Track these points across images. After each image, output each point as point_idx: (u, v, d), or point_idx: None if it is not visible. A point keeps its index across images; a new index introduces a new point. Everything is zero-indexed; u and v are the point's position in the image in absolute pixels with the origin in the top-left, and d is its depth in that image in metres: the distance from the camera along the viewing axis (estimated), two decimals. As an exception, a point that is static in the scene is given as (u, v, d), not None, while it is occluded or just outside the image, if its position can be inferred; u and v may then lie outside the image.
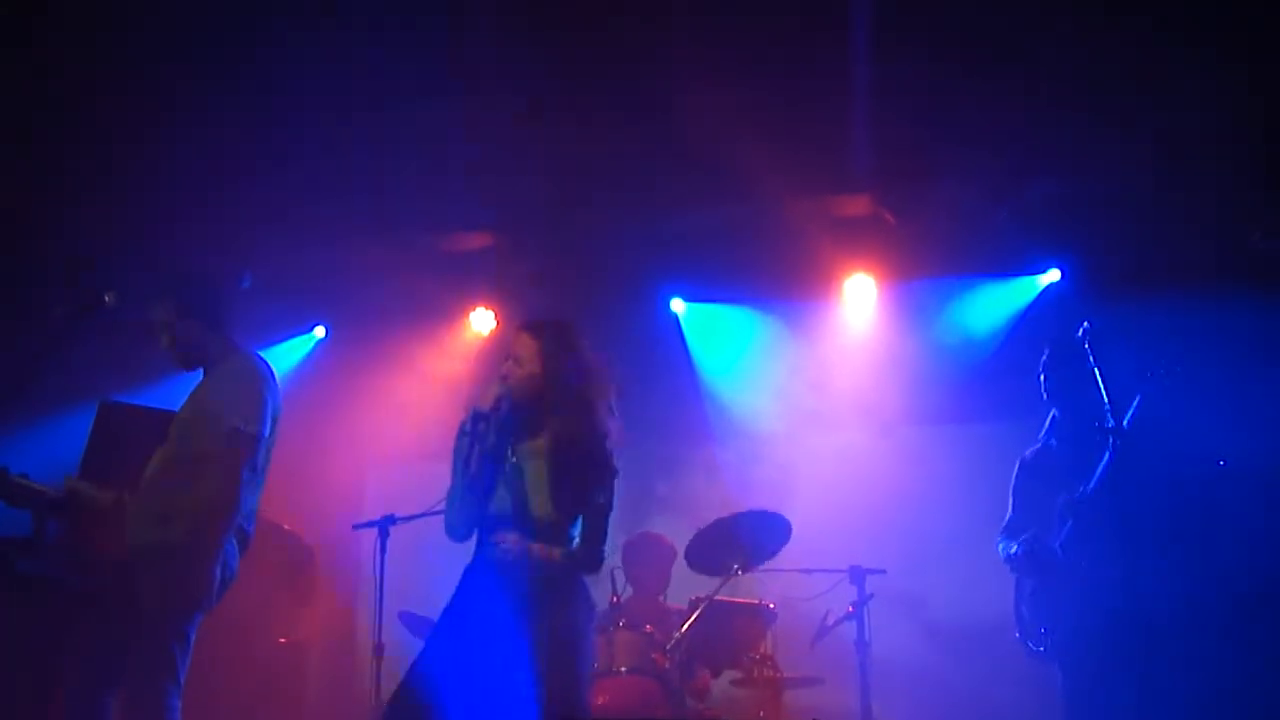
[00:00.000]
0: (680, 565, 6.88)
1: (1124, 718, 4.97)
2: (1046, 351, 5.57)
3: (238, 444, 4.64)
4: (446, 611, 4.46)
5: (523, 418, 4.49)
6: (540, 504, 4.40)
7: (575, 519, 4.46)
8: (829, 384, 8.00)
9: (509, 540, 4.37)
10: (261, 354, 4.97)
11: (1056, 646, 5.29)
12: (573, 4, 5.88)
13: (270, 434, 4.81)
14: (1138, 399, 5.08)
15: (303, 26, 5.90)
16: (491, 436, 4.41)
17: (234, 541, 4.74)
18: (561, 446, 4.45)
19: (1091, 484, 5.18)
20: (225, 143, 6.61)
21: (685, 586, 6.93)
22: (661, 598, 6.97)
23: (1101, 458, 5.13)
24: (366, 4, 5.85)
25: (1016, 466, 5.68)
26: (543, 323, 4.61)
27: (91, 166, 6.54)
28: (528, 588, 4.32)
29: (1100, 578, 5.08)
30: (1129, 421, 5.00)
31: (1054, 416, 5.58)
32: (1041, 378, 5.56)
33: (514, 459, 4.45)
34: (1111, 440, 4.98)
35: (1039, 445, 5.63)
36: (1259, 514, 5.78)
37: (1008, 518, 5.63)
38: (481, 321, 8.36)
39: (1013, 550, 5.44)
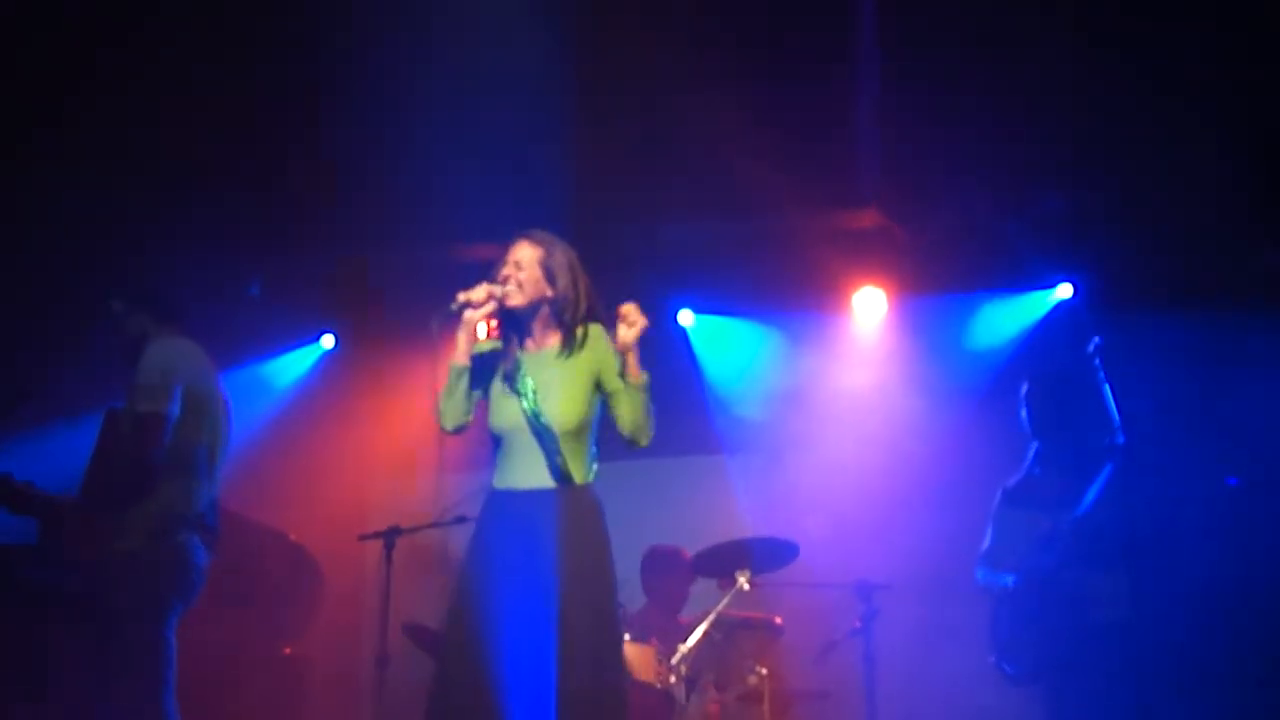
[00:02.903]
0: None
1: None
2: (1027, 384, 5.57)
3: (141, 428, 4.55)
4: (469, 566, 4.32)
5: (521, 323, 4.46)
6: (561, 410, 4.33)
7: (593, 426, 4.40)
8: (838, 397, 7.97)
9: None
10: (187, 339, 4.83)
11: (1042, 669, 5.27)
12: (579, 15, 5.86)
13: (200, 413, 4.69)
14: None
15: (318, 41, 5.92)
16: (495, 334, 4.41)
17: (195, 536, 4.68)
18: (573, 350, 4.41)
19: (1088, 500, 5.15)
20: (234, 149, 6.60)
21: (691, 600, 6.92)
22: (679, 614, 6.95)
23: (1092, 481, 5.11)
24: (380, 14, 5.86)
25: (999, 495, 5.68)
26: (544, 234, 4.59)
27: (98, 166, 6.53)
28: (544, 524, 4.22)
29: (1096, 598, 5.07)
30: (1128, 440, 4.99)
31: (1037, 447, 5.57)
32: (1023, 411, 5.55)
33: (519, 371, 4.39)
34: (1119, 459, 4.96)
35: (1022, 474, 5.63)
36: (1261, 532, 5.76)
37: (986, 544, 5.64)
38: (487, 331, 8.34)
39: (1004, 579, 5.43)
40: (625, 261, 7.75)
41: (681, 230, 7.54)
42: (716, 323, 8.40)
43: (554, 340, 4.46)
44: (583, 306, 4.49)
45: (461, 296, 4.38)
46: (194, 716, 4.66)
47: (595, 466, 4.45)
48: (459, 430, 4.42)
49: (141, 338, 4.78)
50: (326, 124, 6.58)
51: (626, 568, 7.17)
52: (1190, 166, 6.53)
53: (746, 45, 6.13)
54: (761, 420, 8.14)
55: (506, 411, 4.36)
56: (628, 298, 7.96)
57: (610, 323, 4.49)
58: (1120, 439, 4.96)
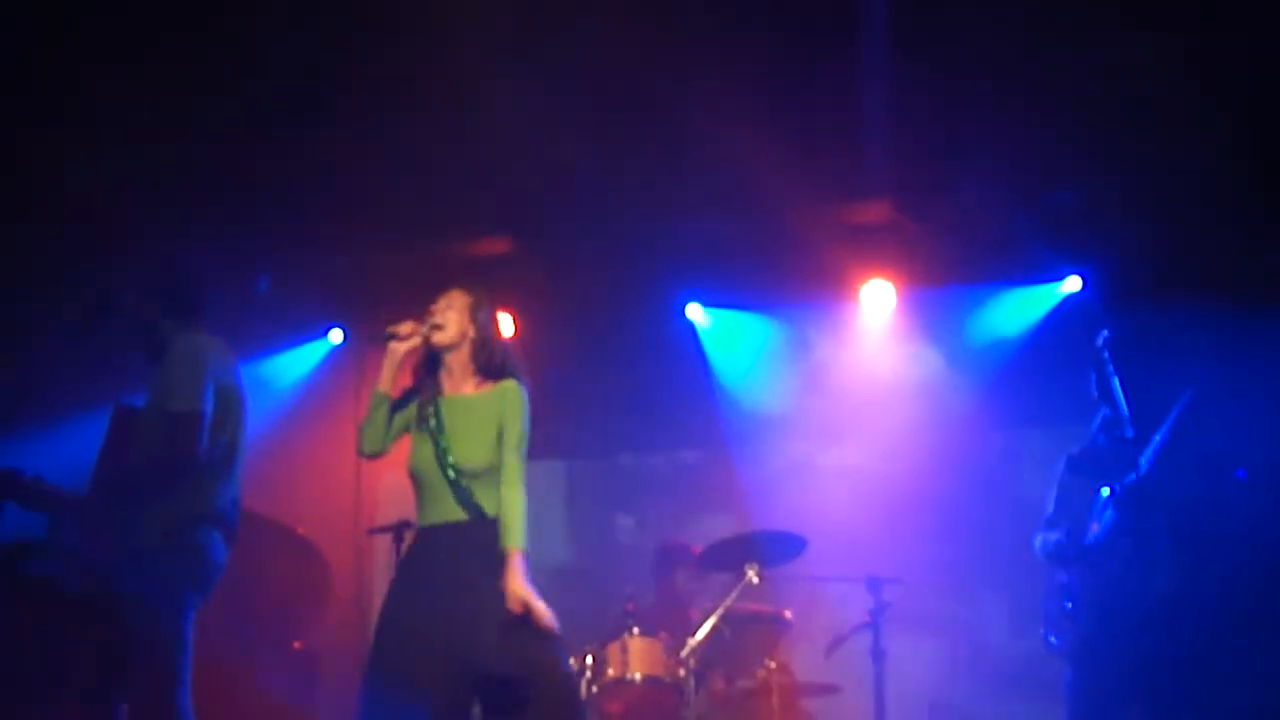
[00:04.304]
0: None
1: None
2: (1103, 339, 5.32)
3: (181, 428, 4.56)
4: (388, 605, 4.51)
5: (441, 366, 4.65)
6: (467, 453, 4.49)
7: (496, 468, 4.52)
8: (847, 390, 7.97)
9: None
10: (212, 336, 4.85)
11: (1072, 644, 5.25)
12: (589, 11, 5.86)
13: (227, 410, 4.71)
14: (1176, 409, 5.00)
15: (323, 37, 5.93)
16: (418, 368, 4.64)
17: (216, 533, 4.70)
18: (485, 397, 4.58)
19: (1131, 477, 5.09)
20: (243, 144, 6.61)
21: (700, 594, 6.93)
22: (688, 608, 6.96)
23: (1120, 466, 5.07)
24: (389, 11, 5.86)
25: (1063, 462, 5.61)
26: (476, 286, 4.77)
27: (105, 166, 6.53)
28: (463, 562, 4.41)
29: (1118, 586, 5.04)
30: (1165, 430, 4.94)
31: (1104, 414, 5.46)
32: (1092, 374, 5.33)
33: (433, 412, 4.57)
34: (1130, 451, 4.94)
35: (1087, 441, 5.54)
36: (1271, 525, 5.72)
37: (1049, 511, 5.57)
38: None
39: (1051, 539, 5.36)
40: (634, 256, 7.77)
41: (691, 224, 7.54)
42: (725, 316, 8.40)
43: (471, 385, 4.65)
44: (498, 357, 4.66)
45: (389, 328, 4.61)
46: (205, 711, 4.67)
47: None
48: (374, 456, 4.66)
49: (161, 333, 4.79)
50: (335, 118, 6.58)
51: (637, 563, 7.23)
52: (1205, 161, 6.52)
53: (756, 40, 6.13)
54: (770, 414, 8.14)
55: (421, 453, 4.55)
56: (637, 292, 8.02)
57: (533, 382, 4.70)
58: (1130, 433, 4.93)
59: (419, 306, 4.73)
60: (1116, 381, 4.96)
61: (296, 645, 6.99)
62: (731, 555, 6.37)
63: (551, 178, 7.03)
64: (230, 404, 4.74)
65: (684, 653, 6.02)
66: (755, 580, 6.25)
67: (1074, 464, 5.58)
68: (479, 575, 4.36)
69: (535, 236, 7.75)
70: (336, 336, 8.69)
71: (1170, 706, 4.88)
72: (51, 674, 4.82)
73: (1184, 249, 7.01)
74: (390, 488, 8.53)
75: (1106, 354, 5.00)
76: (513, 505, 4.46)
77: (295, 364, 8.60)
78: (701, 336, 8.40)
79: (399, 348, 4.61)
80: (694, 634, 6.10)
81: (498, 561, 4.37)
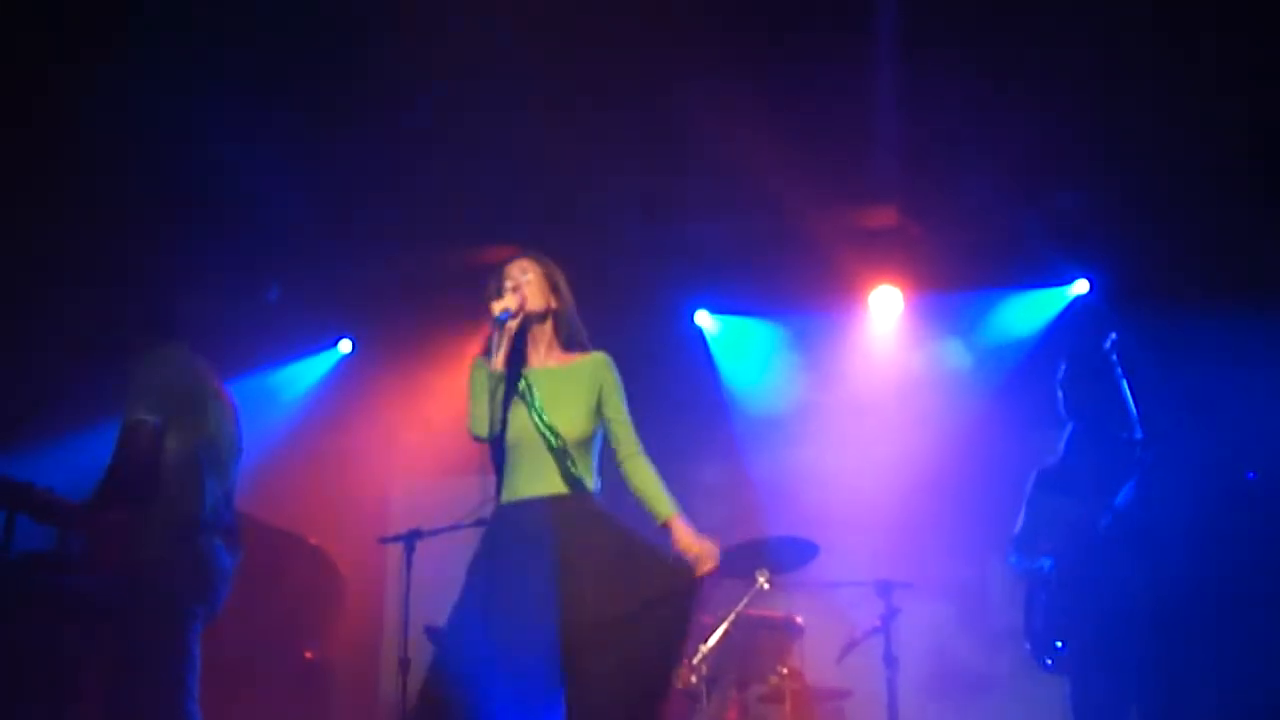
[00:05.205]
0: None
1: None
2: (1064, 366, 5.56)
3: (121, 436, 4.58)
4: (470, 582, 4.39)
5: (527, 338, 4.57)
6: (569, 420, 4.43)
7: (596, 442, 4.50)
8: (856, 396, 7.97)
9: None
10: (180, 346, 4.85)
11: (1071, 658, 5.26)
12: (593, 16, 5.86)
13: (189, 415, 4.70)
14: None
15: (332, 43, 5.94)
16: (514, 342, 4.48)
17: (215, 540, 4.71)
18: (577, 367, 4.55)
19: (1119, 498, 5.14)
20: (252, 155, 6.62)
21: (712, 600, 6.91)
22: (699, 614, 6.95)
23: (1123, 470, 5.09)
24: (395, 15, 5.86)
25: (1033, 477, 5.66)
26: (538, 254, 4.71)
27: (108, 174, 6.56)
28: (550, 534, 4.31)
29: (1125, 589, 5.05)
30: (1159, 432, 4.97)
31: (1072, 430, 5.55)
32: (1060, 393, 5.54)
33: (528, 381, 4.49)
34: (1138, 453, 4.95)
35: (1057, 458, 5.61)
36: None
37: (1019, 528, 5.62)
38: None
39: (1036, 564, 5.42)
40: (642, 263, 7.78)
41: (698, 230, 7.55)
42: (733, 323, 8.41)
43: (556, 357, 4.59)
44: (578, 328, 4.64)
45: (498, 306, 4.45)
46: (217, 721, 4.68)
47: (598, 481, 4.53)
48: (490, 439, 4.46)
49: (130, 350, 4.84)
50: (341, 128, 6.59)
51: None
52: (1211, 163, 6.52)
53: (762, 44, 6.13)
54: (779, 420, 8.14)
55: (515, 423, 4.44)
56: (646, 299, 8.03)
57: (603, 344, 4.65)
58: (1139, 434, 4.95)
59: (427, 316, 4.72)
60: (1125, 384, 4.98)
61: (308, 655, 7.00)
62: (742, 561, 6.35)
63: (557, 184, 7.04)
64: (196, 408, 4.74)
65: (696, 659, 6.01)
66: (766, 586, 6.25)
67: (1044, 480, 5.61)
68: (584, 551, 4.26)
69: (540, 244, 7.74)
70: (345, 346, 8.71)
71: (1174, 709, 4.88)
72: (61, 685, 4.83)
73: (1191, 250, 7.01)
74: (401, 496, 8.56)
75: (1115, 356, 5.01)
76: (649, 475, 4.46)
77: (305, 374, 8.63)
78: (710, 343, 8.41)
79: (514, 324, 4.47)
80: (706, 640, 6.09)
81: (603, 535, 4.30)
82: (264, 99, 6.32)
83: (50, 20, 5.90)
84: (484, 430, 4.41)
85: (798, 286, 7.96)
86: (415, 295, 8.02)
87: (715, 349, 8.41)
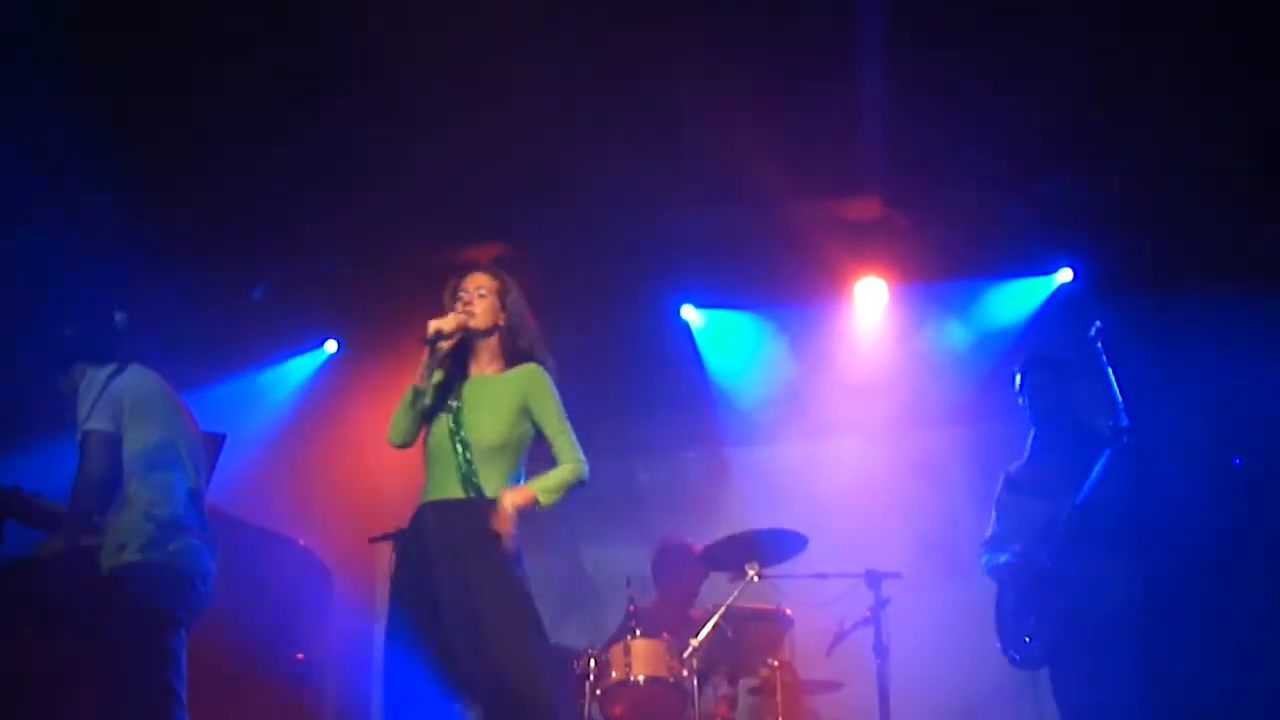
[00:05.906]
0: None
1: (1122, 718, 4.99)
2: (1019, 374, 5.62)
3: (80, 447, 4.66)
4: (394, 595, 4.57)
5: (470, 350, 4.70)
6: (480, 426, 4.53)
7: (517, 450, 4.58)
8: (842, 388, 7.98)
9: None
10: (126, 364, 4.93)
11: (1045, 654, 5.30)
12: (577, 11, 5.87)
13: (141, 420, 4.76)
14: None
15: (322, 40, 5.93)
16: (447, 360, 4.62)
17: (191, 540, 4.71)
18: (508, 377, 4.65)
19: (1088, 487, 5.17)
20: (237, 151, 6.61)
21: (702, 594, 6.92)
22: (690, 608, 6.96)
23: (1099, 461, 5.13)
24: (386, 13, 5.86)
25: (1001, 480, 5.71)
26: (500, 269, 4.83)
27: (103, 170, 6.53)
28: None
29: (1096, 583, 5.10)
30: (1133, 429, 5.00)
31: (1036, 432, 5.61)
32: (1020, 400, 5.60)
33: (457, 392, 4.62)
34: (1124, 440, 4.97)
35: (1023, 460, 5.66)
36: (1265, 513, 5.77)
37: (990, 531, 5.68)
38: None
39: (1001, 561, 5.48)
40: (627, 259, 7.77)
41: (683, 223, 7.54)
42: (719, 316, 8.41)
43: (495, 368, 4.71)
44: (527, 341, 4.72)
45: (433, 326, 4.57)
46: (208, 725, 4.68)
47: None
48: (403, 446, 4.68)
49: (77, 371, 4.91)
50: (327, 126, 6.57)
51: (638, 563, 7.23)
52: (1193, 151, 6.53)
53: (747, 38, 6.13)
54: (766, 412, 8.15)
55: (437, 429, 4.60)
56: (631, 294, 8.03)
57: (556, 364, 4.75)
58: (1125, 422, 4.97)
59: (413, 315, 4.74)
60: (1110, 371, 5.00)
61: (298, 656, 6.99)
62: (732, 554, 6.37)
63: (543, 181, 7.03)
64: (145, 414, 4.77)
65: (687, 653, 6.02)
66: (756, 578, 6.26)
67: (1012, 483, 5.65)
68: (464, 557, 4.37)
69: (527, 241, 7.75)
70: (331, 347, 8.69)
71: (1160, 697, 4.92)
72: (51, 690, 4.82)
73: (1175, 238, 7.03)
74: (390, 496, 8.53)
75: (1100, 344, 5.04)
76: (554, 472, 4.54)
77: (291, 374, 8.61)
78: (696, 337, 8.41)
79: (444, 346, 4.59)
80: (696, 634, 6.10)
81: (486, 544, 4.37)
82: (249, 99, 6.31)
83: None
84: (395, 438, 4.65)
85: (783, 279, 7.96)
86: (401, 294, 7.99)
87: (701, 343, 8.41)
